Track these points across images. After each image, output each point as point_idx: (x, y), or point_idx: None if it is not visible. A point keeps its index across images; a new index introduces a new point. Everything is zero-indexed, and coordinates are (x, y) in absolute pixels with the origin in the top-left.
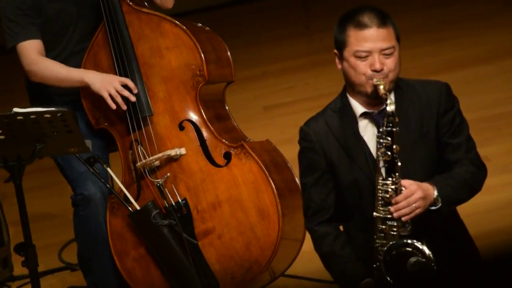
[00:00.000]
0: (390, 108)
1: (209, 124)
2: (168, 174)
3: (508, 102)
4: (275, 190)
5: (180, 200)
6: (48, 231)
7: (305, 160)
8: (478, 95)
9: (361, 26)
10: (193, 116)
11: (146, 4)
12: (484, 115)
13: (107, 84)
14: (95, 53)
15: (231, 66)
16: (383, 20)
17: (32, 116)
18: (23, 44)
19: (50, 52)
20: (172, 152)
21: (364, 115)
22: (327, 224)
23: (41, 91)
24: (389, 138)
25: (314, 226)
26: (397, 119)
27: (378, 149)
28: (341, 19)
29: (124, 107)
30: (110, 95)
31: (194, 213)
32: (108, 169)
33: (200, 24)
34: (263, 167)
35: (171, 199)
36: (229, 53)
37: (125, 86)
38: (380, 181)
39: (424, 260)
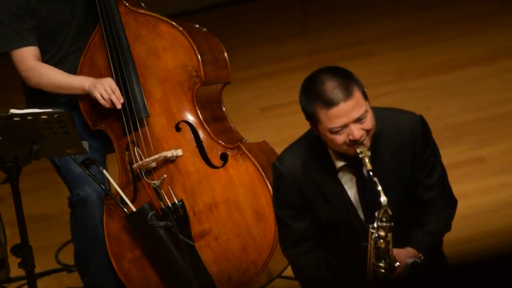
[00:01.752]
0: (383, 200)
1: (205, 125)
2: (165, 175)
3: (505, 103)
4: (272, 192)
5: (176, 202)
6: (45, 232)
7: (280, 199)
8: (475, 96)
9: (329, 104)
10: (190, 117)
11: (142, 5)
12: (481, 116)
13: (99, 85)
14: (92, 54)
15: (227, 67)
16: (347, 89)
17: (29, 117)
18: (19, 51)
19: (45, 53)
20: (169, 154)
21: (343, 167)
22: (307, 254)
23: (38, 92)
24: (383, 231)
25: (294, 257)
26: (390, 212)
27: (371, 237)
28: (305, 91)
29: (118, 106)
30: (102, 97)
31: (190, 214)
32: (104, 171)
33: (197, 25)
34: (260, 168)
35: (167, 200)
36: (226, 54)
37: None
38: (373, 262)
39: (420, 261)
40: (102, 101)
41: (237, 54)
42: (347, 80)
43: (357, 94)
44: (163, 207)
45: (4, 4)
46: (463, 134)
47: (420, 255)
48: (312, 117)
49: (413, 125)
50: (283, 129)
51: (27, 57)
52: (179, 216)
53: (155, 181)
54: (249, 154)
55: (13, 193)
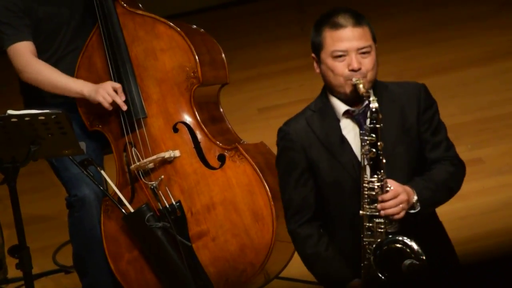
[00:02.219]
0: (374, 104)
1: (203, 126)
2: (162, 176)
3: (504, 103)
4: (269, 192)
5: (174, 203)
6: (42, 233)
7: (284, 160)
8: (474, 97)
9: (337, 26)
10: (187, 118)
11: (140, 6)
12: (480, 117)
13: (101, 90)
14: (90, 55)
15: (225, 68)
16: (358, 20)
17: (27, 118)
18: (16, 45)
19: (43, 53)
20: (166, 154)
21: (345, 114)
22: (308, 224)
23: (35, 93)
24: (373, 135)
25: (296, 228)
26: (380, 116)
27: (362, 146)
28: (317, 22)
29: (124, 107)
30: (105, 100)
31: (188, 215)
32: (102, 171)
33: (194, 26)
34: (257, 169)
35: (165, 201)
36: (223, 55)
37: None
38: (366, 179)
39: (418, 262)
40: (106, 105)
41: (235, 55)
42: (360, 16)
43: (366, 29)
44: (161, 208)
45: (2, 2)
46: (462, 135)
47: (414, 193)
48: (317, 46)
49: (416, 88)
50: None
51: (24, 52)
52: (176, 217)
53: (153, 182)
54: (246, 155)
55: (10, 194)
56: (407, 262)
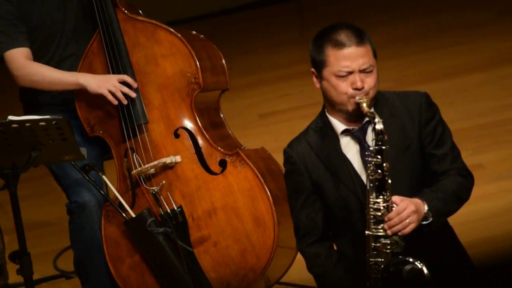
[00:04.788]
0: (379, 126)
1: (204, 131)
2: (164, 181)
3: (504, 109)
4: (270, 198)
5: (175, 208)
6: (43, 239)
7: (291, 183)
8: (474, 102)
9: (340, 45)
10: (188, 124)
11: (140, 12)
12: (480, 122)
13: (105, 82)
14: (90, 61)
15: (226, 74)
16: (361, 38)
17: (27, 124)
18: (11, 51)
19: (40, 59)
20: (167, 160)
21: (345, 132)
22: (317, 244)
23: (35, 100)
24: (379, 157)
25: (304, 248)
26: (386, 137)
27: (367, 168)
28: (317, 38)
29: (125, 102)
30: (110, 92)
31: (189, 220)
32: (104, 176)
33: (194, 32)
34: (259, 174)
35: (166, 206)
36: (224, 61)
37: (124, 83)
38: (371, 200)
39: (419, 267)
40: (109, 97)
41: (235, 61)
42: (362, 33)
43: (369, 47)
44: (162, 213)
45: None
46: (462, 140)
47: (424, 203)
48: (319, 64)
49: (417, 98)
50: (281, 135)
51: (18, 56)
52: (178, 222)
53: (154, 188)
54: (247, 161)
55: (11, 199)
56: (408, 267)
